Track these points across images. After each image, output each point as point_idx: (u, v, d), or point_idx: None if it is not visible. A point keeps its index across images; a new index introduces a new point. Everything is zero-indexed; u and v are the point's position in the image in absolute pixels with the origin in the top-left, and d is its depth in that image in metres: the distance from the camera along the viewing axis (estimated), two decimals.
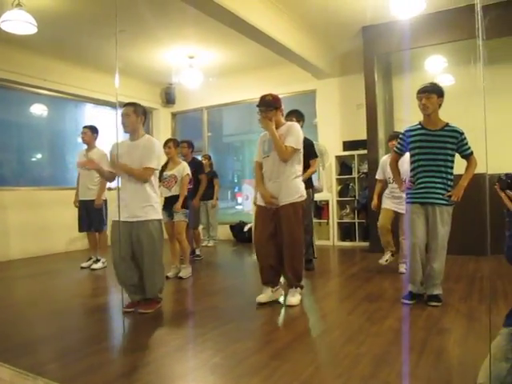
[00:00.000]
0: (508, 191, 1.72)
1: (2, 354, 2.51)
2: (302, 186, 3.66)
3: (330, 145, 7.25)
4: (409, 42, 5.70)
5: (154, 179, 3.56)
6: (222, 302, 3.93)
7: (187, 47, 6.81)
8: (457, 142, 3.38)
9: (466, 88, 6.06)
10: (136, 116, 3.50)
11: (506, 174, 1.73)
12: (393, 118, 6.89)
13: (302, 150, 3.63)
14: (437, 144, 3.39)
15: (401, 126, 6.64)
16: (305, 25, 6.14)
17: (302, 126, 4.28)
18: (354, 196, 7.14)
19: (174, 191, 4.81)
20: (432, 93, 3.39)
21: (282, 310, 3.50)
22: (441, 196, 3.40)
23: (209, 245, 7.30)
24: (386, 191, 4.79)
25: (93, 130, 5.59)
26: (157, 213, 3.51)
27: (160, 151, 3.61)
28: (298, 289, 3.63)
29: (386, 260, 4.76)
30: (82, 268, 5.54)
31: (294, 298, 3.56)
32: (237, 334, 2.97)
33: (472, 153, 3.42)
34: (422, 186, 3.45)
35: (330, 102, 7.53)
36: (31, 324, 3.34)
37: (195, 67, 7.28)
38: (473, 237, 5.26)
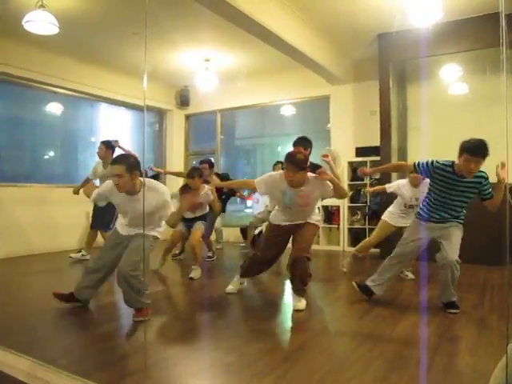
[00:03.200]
0: None
1: (20, 345, 2.56)
2: (318, 218, 3.91)
3: (343, 150, 7.25)
4: (425, 50, 5.72)
5: None
6: (234, 302, 3.96)
7: (203, 50, 6.88)
8: (480, 187, 3.34)
9: (481, 97, 6.10)
10: (130, 174, 3.11)
11: None
12: (406, 126, 6.89)
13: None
14: (462, 189, 3.37)
15: (415, 134, 6.70)
16: (321, 30, 6.18)
17: (309, 153, 4.16)
18: (366, 202, 7.15)
19: (198, 213, 5.03)
20: (483, 159, 3.21)
21: (293, 313, 3.52)
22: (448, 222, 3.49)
23: (218, 247, 7.33)
24: (396, 209, 4.83)
25: (108, 146, 5.66)
26: (159, 233, 3.44)
27: (168, 193, 3.35)
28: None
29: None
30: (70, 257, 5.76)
31: (301, 303, 3.58)
32: (249, 334, 3.01)
33: (492, 194, 3.36)
34: (434, 214, 3.51)
35: (343, 107, 7.56)
36: (42, 319, 3.38)
37: (211, 70, 7.34)
38: (484, 246, 5.27)
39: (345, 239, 7.27)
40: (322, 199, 3.87)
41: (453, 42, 5.78)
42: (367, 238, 5.18)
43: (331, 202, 7.26)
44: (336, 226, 7.36)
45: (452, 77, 6.51)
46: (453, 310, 3.42)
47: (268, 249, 3.82)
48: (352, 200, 7.31)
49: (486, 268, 5.16)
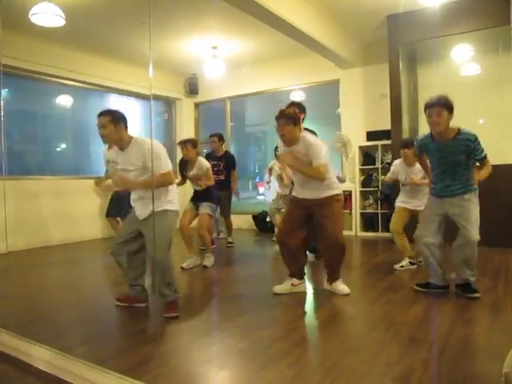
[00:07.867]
0: None
1: (37, 335, 2.60)
2: (336, 184, 3.61)
3: (354, 135, 7.22)
4: (435, 30, 5.62)
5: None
6: (246, 290, 3.99)
7: (211, 37, 6.83)
8: (469, 149, 3.21)
9: (493, 77, 5.99)
10: (114, 125, 3.13)
11: None
12: (417, 108, 6.80)
13: (327, 160, 3.50)
14: (449, 154, 3.26)
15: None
16: (329, 14, 6.09)
17: (303, 119, 3.90)
18: (377, 186, 7.10)
19: (201, 187, 4.84)
20: (443, 108, 3.16)
21: (305, 299, 3.53)
22: (458, 191, 3.32)
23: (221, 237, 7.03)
24: (402, 194, 4.65)
25: None
26: (173, 204, 3.26)
27: (162, 149, 3.21)
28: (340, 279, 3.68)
29: (402, 266, 4.52)
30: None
31: (342, 287, 3.61)
32: (262, 321, 3.03)
33: (486, 156, 3.27)
34: (441, 184, 3.40)
35: (353, 91, 7.48)
36: (59, 309, 3.45)
37: (219, 57, 7.30)
38: (499, 228, 5.22)
39: (357, 224, 7.25)
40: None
41: (463, 21, 5.65)
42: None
43: (343, 187, 7.25)
44: (348, 211, 7.33)
45: (463, 57, 6.38)
46: (475, 295, 3.32)
47: (287, 222, 3.66)
48: (364, 185, 7.28)
49: (500, 250, 5.12)
